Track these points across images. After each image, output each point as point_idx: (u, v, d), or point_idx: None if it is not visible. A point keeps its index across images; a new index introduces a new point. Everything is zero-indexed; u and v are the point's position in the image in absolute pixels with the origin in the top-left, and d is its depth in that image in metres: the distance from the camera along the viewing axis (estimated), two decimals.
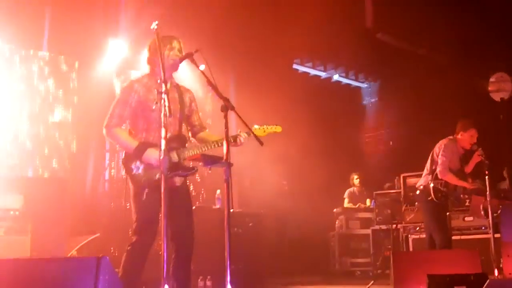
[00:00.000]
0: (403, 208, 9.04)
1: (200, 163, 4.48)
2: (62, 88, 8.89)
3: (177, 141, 4.48)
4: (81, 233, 7.58)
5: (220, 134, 4.33)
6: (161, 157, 3.67)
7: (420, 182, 7.02)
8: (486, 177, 6.63)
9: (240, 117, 4.05)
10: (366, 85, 13.60)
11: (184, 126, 4.69)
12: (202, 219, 7.71)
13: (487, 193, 6.62)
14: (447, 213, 6.97)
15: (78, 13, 8.61)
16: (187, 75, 9.41)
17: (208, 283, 7.12)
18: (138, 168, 4.39)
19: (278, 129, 4.70)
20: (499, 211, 7.29)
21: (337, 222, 10.80)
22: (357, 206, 10.87)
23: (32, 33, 8.44)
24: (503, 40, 10.34)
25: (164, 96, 3.70)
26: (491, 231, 6.67)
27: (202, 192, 9.99)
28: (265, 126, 4.63)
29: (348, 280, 9.82)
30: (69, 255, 6.99)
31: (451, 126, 7.11)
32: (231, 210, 3.89)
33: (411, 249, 8.79)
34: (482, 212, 7.65)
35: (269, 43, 10.35)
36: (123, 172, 4.58)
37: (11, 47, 8.35)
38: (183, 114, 4.63)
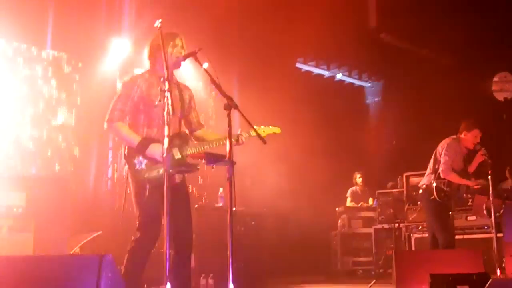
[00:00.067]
0: (406, 207, 9.04)
1: (203, 161, 4.48)
2: (65, 88, 8.88)
3: (179, 139, 4.48)
4: (84, 230, 7.59)
5: (222, 133, 4.33)
6: (164, 155, 3.67)
7: (423, 182, 7.02)
8: (489, 176, 6.63)
9: (243, 115, 4.05)
10: (369, 85, 13.60)
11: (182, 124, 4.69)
12: (204, 217, 7.75)
13: (490, 192, 6.62)
14: (450, 213, 6.97)
15: (81, 12, 8.62)
16: (189, 73, 9.45)
17: (210, 281, 7.13)
18: (141, 163, 4.37)
19: (277, 130, 4.70)
20: (501, 211, 7.30)
21: (339, 221, 10.80)
22: (359, 205, 10.87)
23: (35, 32, 8.44)
24: (506, 40, 10.34)
25: (167, 94, 3.70)
26: (493, 230, 6.66)
27: (205, 194, 10.04)
28: (263, 126, 4.60)
29: (350, 279, 9.83)
30: (71, 252, 7.00)
31: (454, 125, 7.11)
32: (234, 209, 3.89)
33: (413, 248, 8.79)
34: (485, 212, 7.66)
35: (273, 42, 10.36)
36: (126, 168, 4.53)
37: (14, 47, 8.35)
38: (183, 112, 4.64)
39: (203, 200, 9.79)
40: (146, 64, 4.73)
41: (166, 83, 3.73)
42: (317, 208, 10.25)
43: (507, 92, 10.92)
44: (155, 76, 4.54)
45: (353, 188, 11.18)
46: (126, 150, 4.46)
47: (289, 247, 9.93)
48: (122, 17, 9.20)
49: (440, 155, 6.85)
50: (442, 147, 6.89)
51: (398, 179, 9.80)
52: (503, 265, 6.70)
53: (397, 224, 9.07)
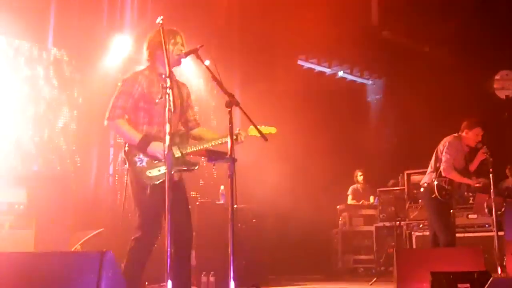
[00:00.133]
0: (407, 205, 9.05)
1: (204, 158, 4.47)
2: (67, 86, 8.86)
3: (178, 137, 4.45)
4: (85, 227, 7.59)
5: (222, 131, 4.32)
6: (166, 153, 3.66)
7: (424, 180, 7.01)
8: (490, 175, 6.62)
9: (244, 112, 4.05)
10: (371, 82, 13.59)
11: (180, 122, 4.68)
12: (205, 215, 7.75)
13: (491, 191, 6.61)
14: (451, 211, 6.97)
15: (83, 10, 8.61)
16: (190, 71, 9.45)
17: (211, 279, 7.13)
18: (142, 160, 4.34)
19: (273, 130, 4.68)
20: (503, 209, 7.30)
21: (340, 219, 10.80)
22: (360, 203, 10.86)
23: (37, 29, 8.43)
24: (508, 38, 10.32)
25: (169, 91, 3.69)
26: (494, 229, 6.65)
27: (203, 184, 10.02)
28: (259, 126, 4.55)
29: (351, 277, 9.83)
30: (73, 249, 7.01)
31: (456, 123, 7.10)
32: (235, 207, 3.89)
33: (414, 246, 8.80)
34: (486, 210, 7.67)
35: (274, 39, 10.35)
36: (126, 166, 4.50)
37: (15, 46, 8.34)
38: (182, 110, 4.61)
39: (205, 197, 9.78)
40: (145, 61, 4.71)
41: (168, 80, 3.73)
42: (318, 206, 10.25)
43: (509, 90, 10.91)
44: (155, 73, 4.53)
45: (354, 186, 11.18)
46: (126, 148, 4.42)
47: (290, 245, 9.93)
48: (124, 14, 9.20)
49: (442, 153, 6.84)
50: (443, 145, 6.88)
51: (399, 177, 9.80)
52: (504, 264, 6.71)
53: (398, 222, 9.07)
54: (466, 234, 8.09)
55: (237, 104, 3.96)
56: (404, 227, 9.09)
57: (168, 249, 3.53)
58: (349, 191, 11.11)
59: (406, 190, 9.30)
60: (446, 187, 6.75)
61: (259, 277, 7.50)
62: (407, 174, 9.36)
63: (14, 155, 8.03)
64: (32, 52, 8.55)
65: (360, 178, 11.14)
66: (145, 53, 4.66)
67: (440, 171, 6.76)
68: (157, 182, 4.30)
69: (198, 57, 4.22)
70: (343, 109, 12.02)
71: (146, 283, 7.00)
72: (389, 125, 12.17)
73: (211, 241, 7.01)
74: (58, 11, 8.56)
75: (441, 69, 10.99)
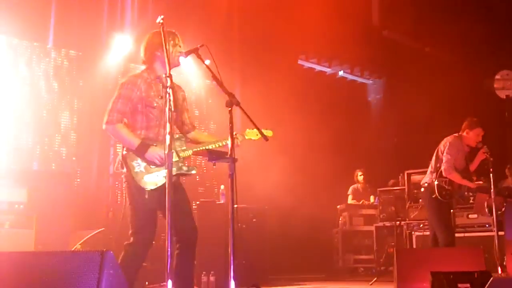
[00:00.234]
0: (407, 205, 9.04)
1: (205, 158, 4.47)
2: (67, 85, 8.87)
3: (176, 140, 4.42)
4: (85, 227, 7.59)
5: (221, 132, 4.32)
6: (167, 152, 3.65)
7: (425, 180, 7.01)
8: (491, 174, 6.62)
9: (245, 112, 4.04)
10: (371, 82, 13.59)
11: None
12: (205, 214, 7.75)
13: (492, 190, 6.61)
14: (451, 211, 6.97)
15: (83, 8, 8.61)
16: (191, 71, 9.45)
17: (212, 278, 7.13)
18: (139, 165, 4.33)
19: (269, 133, 4.66)
20: (503, 209, 7.29)
21: (340, 219, 10.80)
22: (360, 202, 10.86)
23: (37, 28, 8.43)
24: (509, 37, 10.32)
25: (169, 90, 3.68)
26: (495, 229, 6.65)
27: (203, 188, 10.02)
28: (256, 130, 4.53)
29: (351, 276, 9.84)
30: (73, 249, 7.01)
31: (456, 123, 7.10)
32: (235, 206, 3.88)
33: (414, 246, 8.80)
34: (486, 210, 7.66)
35: (275, 38, 10.35)
36: (123, 170, 4.48)
37: (16, 45, 8.33)
38: (177, 113, 4.55)
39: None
40: (143, 63, 4.68)
41: (169, 80, 3.72)
42: (318, 205, 10.25)
43: (509, 90, 10.91)
44: (153, 75, 4.52)
45: (355, 185, 11.18)
46: (124, 152, 4.41)
47: (291, 245, 9.94)
48: (125, 13, 9.19)
49: (442, 154, 6.84)
50: (444, 146, 6.88)
51: (400, 176, 9.79)
52: (504, 263, 6.70)
53: (398, 222, 9.07)
54: (466, 234, 8.08)
55: (238, 104, 3.96)
56: (404, 227, 9.09)
57: (169, 249, 3.53)
58: (349, 191, 11.11)
59: (406, 190, 9.29)
60: (447, 187, 6.74)
61: (259, 277, 7.50)
62: (408, 174, 9.35)
63: (14, 155, 8.03)
64: (33, 52, 8.55)
65: (360, 178, 11.14)
66: (142, 54, 4.63)
67: (441, 171, 6.76)
68: (154, 187, 4.30)
69: (199, 56, 4.21)
70: (343, 109, 12.02)
71: (146, 283, 7.00)
72: (390, 125, 12.16)
73: (211, 241, 7.00)
74: (59, 10, 8.56)
75: (441, 69, 10.99)
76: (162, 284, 6.61)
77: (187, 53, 4.37)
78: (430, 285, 4.75)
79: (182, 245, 4.36)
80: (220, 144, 4.45)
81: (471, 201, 8.09)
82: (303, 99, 10.65)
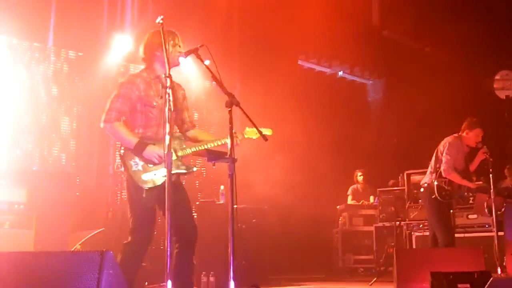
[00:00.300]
0: (407, 205, 9.04)
1: (204, 158, 4.47)
2: (67, 84, 8.86)
3: (174, 139, 4.38)
4: (85, 227, 7.59)
5: (220, 132, 4.32)
6: (166, 152, 3.65)
7: (424, 180, 7.00)
8: (490, 175, 6.62)
9: (245, 113, 4.04)
10: (371, 82, 13.58)
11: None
12: (205, 214, 7.74)
13: (491, 191, 6.61)
14: (451, 211, 6.96)
15: (84, 8, 8.60)
16: (191, 71, 9.45)
17: (211, 278, 7.12)
18: (137, 164, 4.34)
19: (269, 132, 4.67)
20: (503, 209, 7.29)
21: (340, 219, 10.80)
22: (360, 203, 10.86)
23: (37, 28, 8.43)
24: (508, 37, 10.33)
25: (169, 90, 3.68)
26: (494, 229, 6.65)
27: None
28: (255, 129, 4.49)
29: (351, 277, 9.83)
30: (73, 249, 7.01)
31: (456, 123, 7.10)
32: (235, 206, 3.88)
33: (414, 246, 8.80)
34: (486, 210, 7.66)
35: (275, 39, 10.34)
36: (121, 169, 4.49)
37: (15, 45, 8.33)
38: (177, 111, 4.56)
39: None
40: (142, 62, 4.69)
41: (168, 80, 3.72)
42: (318, 205, 10.25)
43: (508, 90, 10.92)
44: (152, 74, 4.53)
45: (354, 186, 11.18)
46: (122, 151, 4.42)
47: (291, 245, 9.94)
48: (125, 13, 9.19)
49: (442, 154, 6.83)
50: (443, 146, 6.87)
51: (399, 177, 9.79)
52: (504, 264, 6.70)
53: (398, 222, 9.07)
54: (466, 234, 8.09)
55: (237, 104, 3.96)
56: (404, 227, 9.09)
57: (168, 249, 3.53)
58: (349, 191, 11.11)
59: (406, 190, 9.29)
60: (446, 187, 6.74)
61: (259, 277, 7.50)
62: (407, 174, 9.35)
63: (13, 155, 8.03)
64: (32, 53, 8.54)
65: (360, 178, 11.14)
66: (142, 54, 4.64)
67: (440, 172, 6.75)
68: (152, 186, 4.30)
69: (198, 56, 4.22)
70: (343, 109, 12.01)
71: (146, 283, 7.00)
72: (389, 125, 12.16)
73: (211, 241, 6.99)
74: (58, 10, 8.55)
75: (441, 69, 10.99)
76: (161, 284, 6.60)
77: (187, 53, 4.38)
78: (430, 285, 4.74)
79: (182, 245, 4.37)
80: (219, 143, 4.45)
81: (470, 202, 8.09)
82: (303, 99, 10.65)
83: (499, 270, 6.49)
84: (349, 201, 11.00)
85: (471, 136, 6.87)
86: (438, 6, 10.70)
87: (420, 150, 8.32)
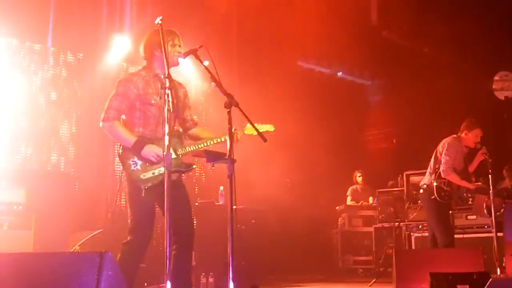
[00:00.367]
0: (406, 206, 9.05)
1: (203, 158, 4.47)
2: (67, 85, 8.86)
3: (174, 137, 4.41)
4: (84, 228, 7.58)
5: (220, 131, 4.32)
6: (165, 153, 3.65)
7: (424, 181, 7.00)
8: (490, 175, 6.62)
9: (244, 113, 4.04)
10: (370, 83, 13.59)
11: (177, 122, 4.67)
12: (204, 215, 7.74)
13: (490, 192, 6.61)
14: (450, 212, 6.96)
15: (83, 9, 8.60)
16: (190, 71, 9.44)
17: (211, 279, 7.13)
18: (136, 163, 4.34)
19: (271, 128, 4.66)
20: (502, 210, 7.29)
21: (339, 220, 10.80)
22: (359, 203, 10.86)
23: (36, 29, 8.42)
24: (507, 38, 10.32)
25: (168, 91, 3.68)
26: (493, 230, 6.65)
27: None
28: (256, 124, 4.48)
29: (350, 277, 9.82)
30: (72, 250, 7.00)
31: (455, 124, 7.10)
32: (234, 207, 3.88)
33: (413, 247, 8.80)
34: (485, 211, 7.66)
35: (274, 39, 10.35)
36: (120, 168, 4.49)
37: (15, 45, 8.32)
38: (178, 110, 4.56)
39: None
40: (141, 62, 4.70)
41: (167, 80, 3.72)
42: (317, 206, 10.25)
43: (508, 91, 10.91)
44: (152, 74, 4.53)
45: (354, 186, 11.18)
46: (120, 150, 4.42)
47: (290, 245, 9.93)
48: (124, 14, 9.19)
49: (441, 155, 6.83)
50: (443, 147, 6.87)
51: (399, 178, 9.79)
52: (503, 264, 6.70)
53: (397, 223, 9.07)
54: (465, 235, 8.09)
55: (236, 105, 3.96)
56: (403, 228, 9.09)
57: (167, 250, 3.53)
58: (348, 192, 11.12)
59: (405, 191, 9.30)
60: (445, 188, 6.74)
61: (259, 277, 7.50)
62: (406, 175, 9.35)
63: (13, 155, 8.02)
64: (32, 55, 8.54)
65: (359, 179, 11.15)
66: (141, 53, 4.65)
67: (439, 173, 6.75)
68: (151, 185, 4.29)
69: (197, 57, 4.22)
70: (342, 110, 12.02)
71: (145, 284, 6.99)
72: (389, 126, 12.16)
73: (211, 242, 7.00)
74: (57, 12, 8.54)
75: (440, 70, 10.98)
76: (161, 285, 6.59)
77: (186, 54, 4.37)
78: (429, 286, 4.75)
79: (179, 245, 4.35)
80: (220, 140, 4.42)
81: (470, 202, 8.09)
82: (302, 100, 10.65)
83: (498, 271, 6.49)
84: (348, 201, 11.00)
85: (470, 136, 6.87)
86: (437, 7, 10.69)
87: (419, 151, 8.33)
